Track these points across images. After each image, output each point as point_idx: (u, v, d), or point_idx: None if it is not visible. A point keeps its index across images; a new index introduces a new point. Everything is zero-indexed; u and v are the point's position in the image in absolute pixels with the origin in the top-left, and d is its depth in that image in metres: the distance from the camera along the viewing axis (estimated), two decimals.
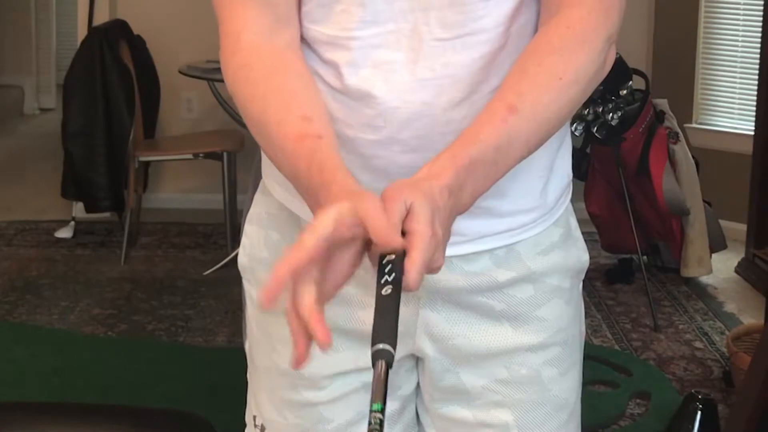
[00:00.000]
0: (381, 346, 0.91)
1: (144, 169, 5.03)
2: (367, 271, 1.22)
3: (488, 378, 1.27)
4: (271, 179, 1.30)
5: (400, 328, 1.23)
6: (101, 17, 5.12)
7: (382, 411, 0.87)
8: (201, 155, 4.71)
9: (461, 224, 1.19)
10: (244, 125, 5.26)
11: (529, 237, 1.25)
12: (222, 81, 4.87)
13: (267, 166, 1.31)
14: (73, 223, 4.97)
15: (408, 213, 0.97)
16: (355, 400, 1.29)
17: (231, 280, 4.36)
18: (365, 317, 1.24)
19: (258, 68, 1.16)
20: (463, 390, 1.28)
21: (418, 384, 1.34)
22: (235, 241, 4.63)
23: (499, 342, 1.26)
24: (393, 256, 0.96)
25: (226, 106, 4.72)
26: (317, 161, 1.05)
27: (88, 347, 3.71)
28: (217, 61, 4.77)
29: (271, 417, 1.34)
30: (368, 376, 1.26)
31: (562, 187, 1.29)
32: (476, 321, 1.25)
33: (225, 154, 4.67)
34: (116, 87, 4.62)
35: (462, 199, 1.04)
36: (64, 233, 4.92)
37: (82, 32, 5.04)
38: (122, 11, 5.24)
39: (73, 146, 4.68)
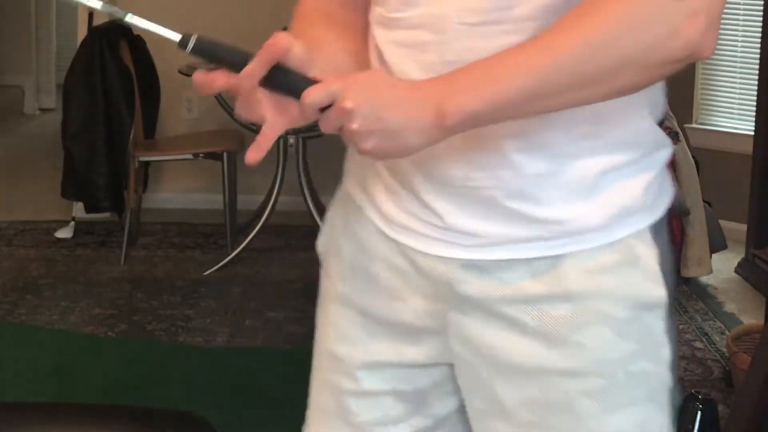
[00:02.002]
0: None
1: (144, 169, 5.03)
2: (405, 260, 1.26)
3: (521, 394, 1.23)
4: (346, 167, 1.37)
5: (432, 322, 1.26)
6: (101, 17, 5.11)
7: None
8: (201, 155, 4.71)
9: (483, 225, 1.20)
10: (244, 125, 5.25)
11: (572, 252, 1.20)
12: None
13: (348, 155, 1.37)
14: (73, 223, 4.96)
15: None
16: (383, 403, 1.32)
17: (231, 280, 4.36)
18: (401, 308, 1.27)
19: (295, 22, 1.29)
20: (497, 400, 1.25)
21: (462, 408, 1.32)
22: (235, 241, 4.63)
23: (529, 359, 1.22)
24: None
25: (226, 106, 4.71)
26: None
27: (88, 347, 3.71)
28: None
29: (314, 395, 1.39)
30: (402, 382, 1.30)
31: (620, 207, 1.23)
32: (507, 333, 1.22)
33: (225, 154, 4.67)
34: (116, 87, 4.62)
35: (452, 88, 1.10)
36: (64, 233, 4.92)
37: (82, 32, 5.04)
38: None
39: (73, 146, 4.68)
